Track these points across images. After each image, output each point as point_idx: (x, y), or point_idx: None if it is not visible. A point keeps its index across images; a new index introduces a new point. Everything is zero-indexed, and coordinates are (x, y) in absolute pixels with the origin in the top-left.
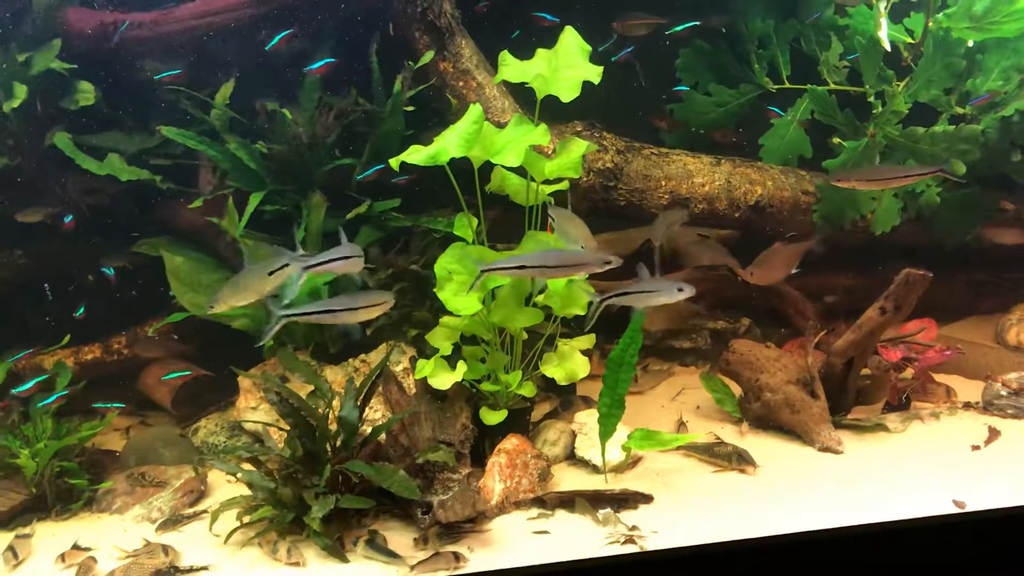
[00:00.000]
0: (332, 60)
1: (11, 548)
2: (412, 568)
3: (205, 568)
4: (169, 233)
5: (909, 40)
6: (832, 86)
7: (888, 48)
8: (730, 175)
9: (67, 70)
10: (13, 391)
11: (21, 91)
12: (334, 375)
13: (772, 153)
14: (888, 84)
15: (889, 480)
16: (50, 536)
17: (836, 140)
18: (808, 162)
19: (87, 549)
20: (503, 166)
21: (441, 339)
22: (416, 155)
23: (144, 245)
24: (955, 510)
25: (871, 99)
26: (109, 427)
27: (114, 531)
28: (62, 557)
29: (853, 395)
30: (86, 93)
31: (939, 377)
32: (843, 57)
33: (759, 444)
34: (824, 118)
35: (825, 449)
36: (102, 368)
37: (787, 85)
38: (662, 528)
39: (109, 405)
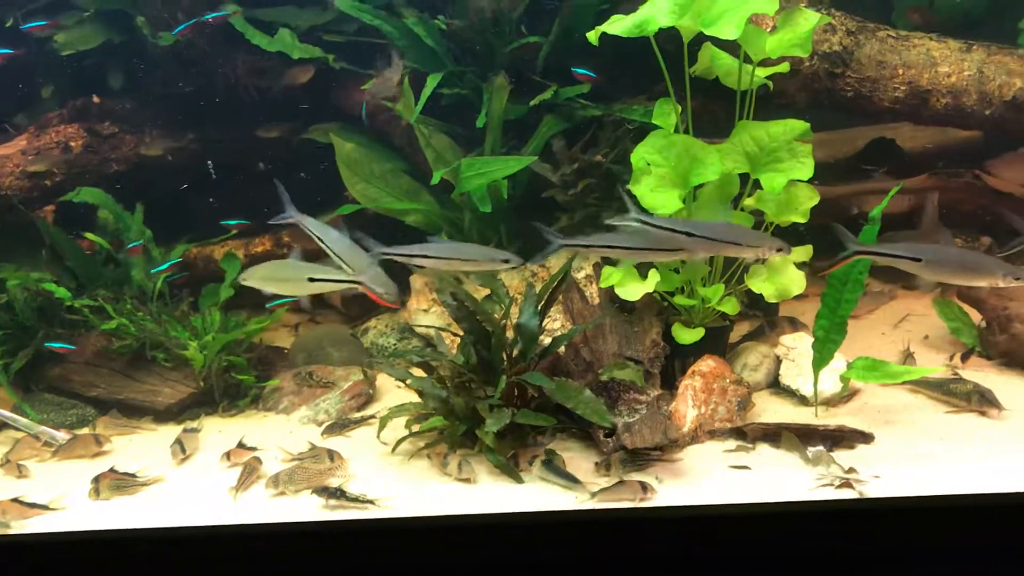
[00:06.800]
0: None
1: (179, 442)
2: (594, 495)
3: (372, 502)
4: (340, 118)
5: None
6: None
7: None
8: (983, 64)
9: None
10: (151, 271)
11: None
12: (509, 279)
13: None
14: None
15: None
16: (216, 432)
17: None
18: None
19: (252, 448)
20: (717, 40)
21: None
22: (618, 25)
23: (315, 131)
24: None
25: None
26: (278, 323)
27: (280, 431)
28: (227, 455)
29: None
30: None
31: None
32: None
33: (1005, 383)
34: None
35: None
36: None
37: None
38: (885, 473)
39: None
